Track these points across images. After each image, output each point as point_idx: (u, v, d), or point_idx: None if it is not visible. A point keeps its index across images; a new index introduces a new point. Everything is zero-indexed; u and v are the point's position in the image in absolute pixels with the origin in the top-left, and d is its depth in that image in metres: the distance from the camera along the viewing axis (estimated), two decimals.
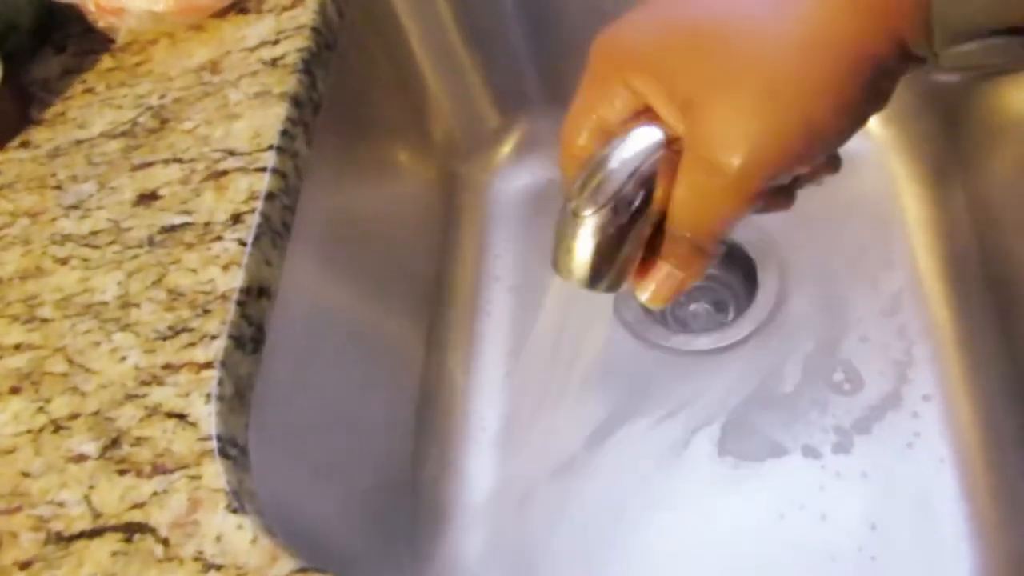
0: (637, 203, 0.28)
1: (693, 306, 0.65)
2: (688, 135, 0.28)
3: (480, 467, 0.59)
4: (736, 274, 0.65)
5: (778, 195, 0.32)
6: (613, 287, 0.30)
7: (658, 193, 0.29)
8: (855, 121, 0.27)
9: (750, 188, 0.27)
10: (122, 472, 0.38)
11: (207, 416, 0.38)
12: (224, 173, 0.47)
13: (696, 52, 0.28)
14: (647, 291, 0.32)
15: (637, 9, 0.30)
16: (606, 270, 0.30)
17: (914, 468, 0.53)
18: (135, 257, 0.45)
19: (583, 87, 0.31)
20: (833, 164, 0.31)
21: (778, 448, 0.56)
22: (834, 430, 0.56)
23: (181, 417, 0.39)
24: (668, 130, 0.29)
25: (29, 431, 0.40)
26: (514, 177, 0.73)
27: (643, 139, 0.29)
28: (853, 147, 0.28)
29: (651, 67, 0.29)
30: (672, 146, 0.28)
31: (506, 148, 0.74)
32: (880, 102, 0.27)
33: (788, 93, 0.26)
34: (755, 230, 0.64)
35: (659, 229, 0.30)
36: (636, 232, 0.29)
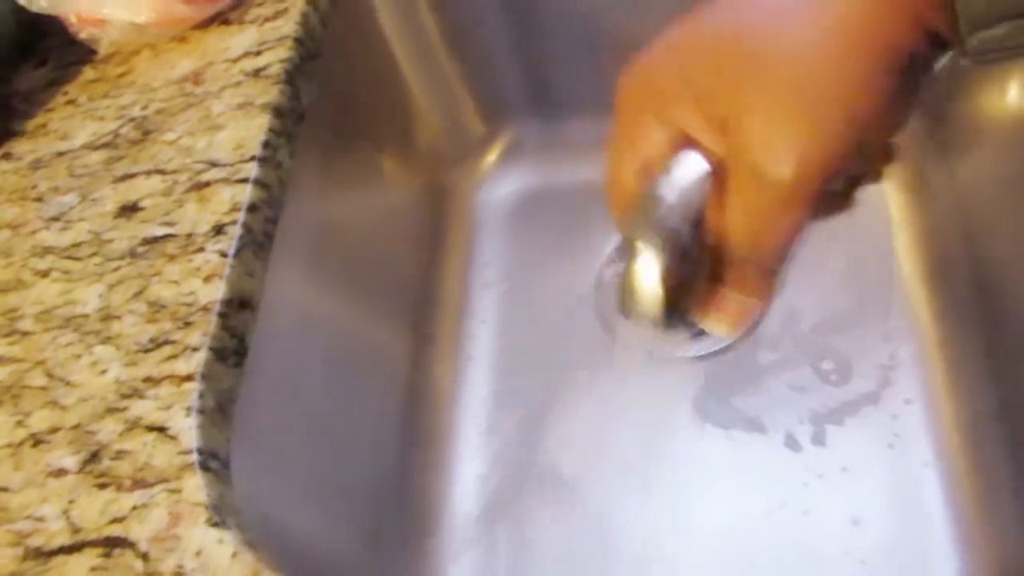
0: (692, 234, 0.28)
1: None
2: (732, 155, 0.27)
3: (469, 478, 0.59)
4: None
5: (835, 198, 0.31)
6: (683, 323, 0.30)
7: (712, 220, 0.28)
8: (898, 112, 0.27)
9: (805, 196, 0.27)
10: (102, 486, 0.37)
11: (188, 429, 0.38)
12: (206, 184, 0.47)
13: (724, 70, 0.27)
14: (718, 322, 0.31)
15: (655, 41, 0.30)
16: (673, 306, 0.29)
17: (897, 471, 0.53)
18: (116, 269, 0.45)
19: (616, 128, 0.31)
20: (888, 154, 0.30)
21: (762, 444, 0.56)
22: (815, 430, 0.56)
23: (162, 430, 0.38)
24: (710, 155, 0.28)
25: (8, 445, 0.40)
26: (500, 185, 0.73)
27: (687, 168, 0.28)
28: None
29: (680, 94, 0.28)
30: (717, 170, 0.28)
31: (491, 156, 0.74)
32: (918, 90, 0.27)
33: (826, 95, 0.26)
34: None
35: (720, 258, 0.29)
36: (695, 265, 0.29)
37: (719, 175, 0.28)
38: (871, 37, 0.25)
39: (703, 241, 0.28)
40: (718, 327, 0.31)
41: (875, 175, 0.31)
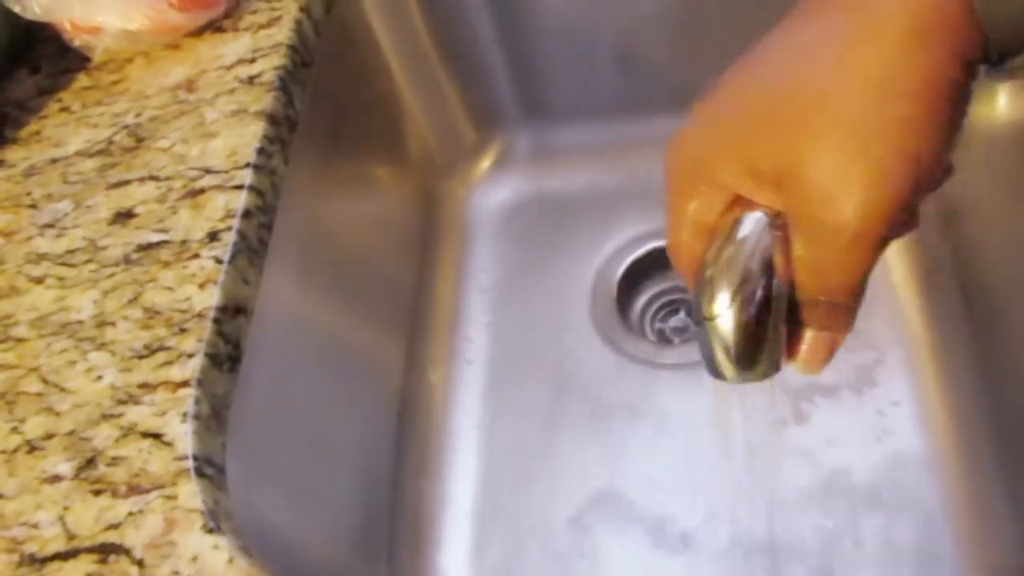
0: (763, 288, 0.28)
1: (672, 319, 0.66)
2: (792, 208, 0.27)
3: (461, 484, 0.59)
4: None
5: (902, 223, 0.30)
6: (771, 372, 0.30)
7: (780, 270, 0.28)
8: (948, 136, 0.27)
9: (873, 238, 0.26)
10: (97, 492, 0.37)
11: (183, 435, 0.38)
12: (201, 191, 0.47)
13: (769, 125, 0.27)
14: (802, 363, 0.31)
15: (695, 110, 0.30)
16: (757, 360, 0.29)
17: (888, 475, 0.54)
18: (111, 276, 0.45)
19: (670, 198, 0.31)
20: (947, 170, 0.30)
21: (747, 452, 0.56)
22: (804, 437, 0.56)
23: (157, 436, 0.38)
24: (767, 211, 0.28)
25: (3, 452, 0.40)
26: (492, 192, 0.73)
27: (748, 227, 0.29)
28: None
29: (728, 159, 0.28)
30: (776, 222, 0.28)
31: (484, 163, 0.74)
32: (964, 109, 0.27)
33: (877, 134, 0.25)
34: None
35: (796, 300, 0.30)
36: (773, 315, 0.29)
37: (781, 228, 0.28)
38: (910, 72, 0.25)
39: (775, 292, 0.29)
40: (805, 368, 0.31)
41: (935, 187, 0.30)
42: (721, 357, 0.29)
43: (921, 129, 0.26)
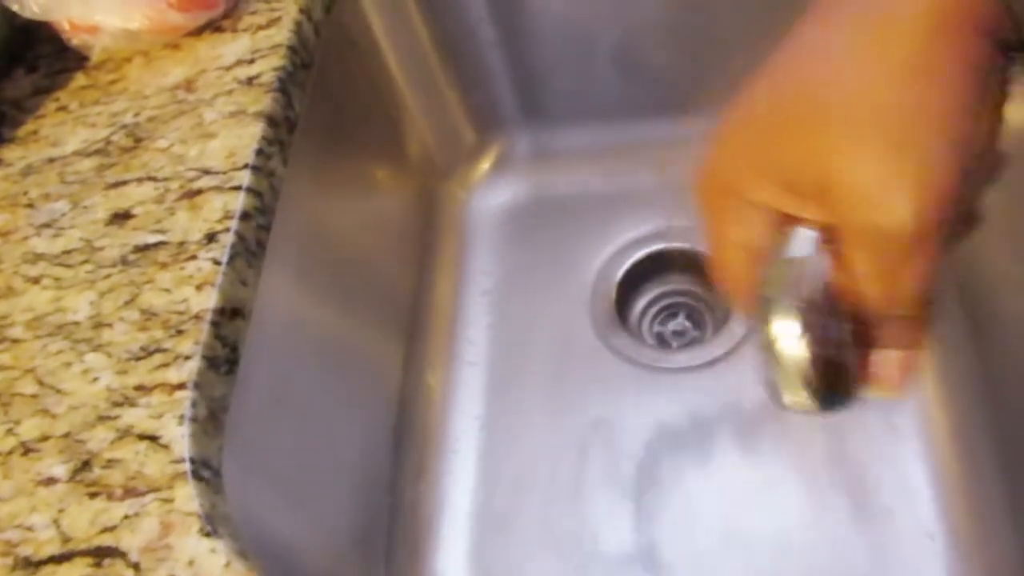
0: (828, 310, 0.27)
1: (672, 323, 0.66)
2: (840, 218, 0.25)
3: (460, 486, 0.59)
4: (713, 290, 0.65)
5: (962, 222, 0.29)
6: (849, 397, 0.28)
7: (840, 286, 0.27)
8: (991, 118, 0.26)
9: (930, 235, 0.24)
10: (93, 495, 0.37)
11: (180, 438, 0.38)
12: (199, 192, 0.46)
13: (798, 135, 0.26)
14: (881, 385, 0.29)
15: (717, 131, 0.28)
16: (832, 386, 0.28)
17: (888, 480, 0.54)
18: (108, 276, 0.44)
19: (708, 226, 0.29)
20: (999, 158, 0.28)
21: (751, 456, 0.56)
22: (807, 444, 0.56)
23: (153, 439, 0.38)
24: (812, 225, 0.27)
25: None
26: (492, 194, 0.73)
27: (799, 247, 0.27)
28: None
29: (762, 176, 0.27)
30: (827, 236, 0.27)
31: (484, 165, 0.74)
32: (1005, 90, 0.26)
33: (914, 123, 0.24)
34: None
35: (864, 320, 0.28)
36: (840, 336, 0.27)
37: (831, 241, 0.26)
38: (938, 57, 0.24)
39: (840, 310, 0.27)
40: (885, 391, 0.29)
41: (992, 180, 0.29)
42: (794, 389, 0.27)
43: (958, 114, 0.24)
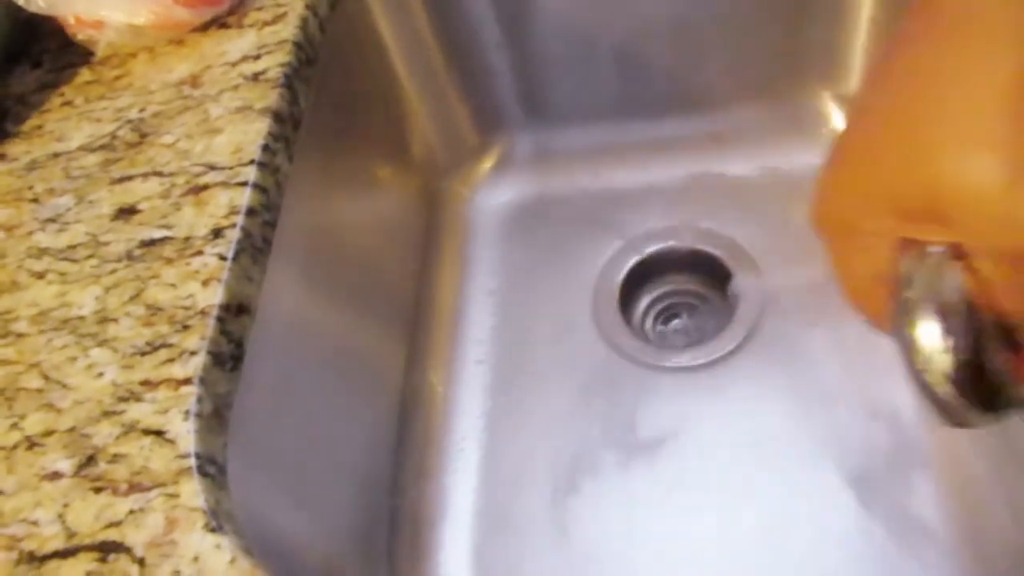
0: (973, 325, 0.26)
1: (674, 323, 0.66)
2: (967, 235, 0.25)
3: (463, 486, 0.59)
4: (715, 290, 0.65)
5: None
6: (1012, 406, 0.27)
7: (981, 301, 0.26)
8: None
9: None
10: (97, 490, 0.37)
11: (185, 434, 0.38)
12: (204, 188, 0.46)
13: (905, 160, 0.25)
14: None
15: (827, 164, 0.28)
16: (990, 398, 0.27)
17: (888, 483, 0.54)
18: (113, 272, 0.44)
19: (833, 259, 0.29)
20: None
21: (751, 464, 0.56)
22: (812, 448, 0.56)
23: (159, 434, 0.38)
24: (941, 245, 0.26)
25: (2, 448, 0.39)
26: (494, 193, 0.73)
27: (930, 268, 0.26)
28: None
29: (873, 205, 0.26)
30: (955, 253, 0.26)
31: (487, 164, 0.74)
32: None
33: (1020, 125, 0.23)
34: (730, 245, 0.64)
35: (1011, 328, 0.27)
36: (991, 349, 0.27)
37: (960, 257, 0.26)
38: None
39: (984, 325, 0.26)
40: None
41: None
42: (954, 408, 0.27)
43: None
